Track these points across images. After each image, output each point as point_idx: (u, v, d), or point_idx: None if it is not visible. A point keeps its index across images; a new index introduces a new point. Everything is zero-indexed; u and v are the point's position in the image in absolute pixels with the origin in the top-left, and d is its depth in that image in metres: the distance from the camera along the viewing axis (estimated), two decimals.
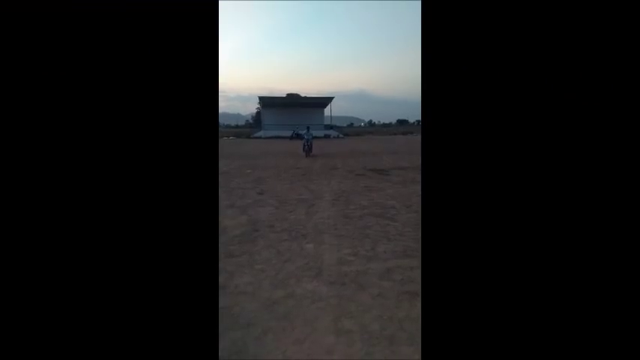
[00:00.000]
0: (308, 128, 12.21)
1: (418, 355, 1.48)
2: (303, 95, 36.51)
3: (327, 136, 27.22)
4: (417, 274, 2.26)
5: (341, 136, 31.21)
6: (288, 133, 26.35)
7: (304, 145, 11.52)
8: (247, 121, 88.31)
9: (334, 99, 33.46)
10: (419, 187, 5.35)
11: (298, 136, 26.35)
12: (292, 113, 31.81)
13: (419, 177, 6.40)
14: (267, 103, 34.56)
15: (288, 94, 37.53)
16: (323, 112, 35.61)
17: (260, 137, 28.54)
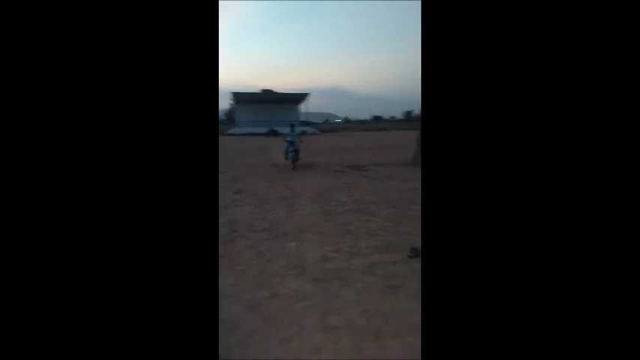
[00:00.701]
0: (292, 126, 8.13)
1: (404, 348, 1.52)
2: (277, 91, 36.09)
3: (303, 133, 27.16)
4: (399, 268, 2.31)
5: (317, 132, 31.22)
6: (263, 130, 26.03)
7: (287, 151, 7.58)
8: (219, 117, 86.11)
9: (309, 95, 33.38)
10: (396, 183, 5.49)
11: (274, 133, 26.03)
12: (267, 109, 31.32)
13: (395, 173, 6.57)
14: (241, 99, 33.74)
15: (262, 90, 36.90)
16: (298, 109, 35.40)
17: (234, 134, 27.84)
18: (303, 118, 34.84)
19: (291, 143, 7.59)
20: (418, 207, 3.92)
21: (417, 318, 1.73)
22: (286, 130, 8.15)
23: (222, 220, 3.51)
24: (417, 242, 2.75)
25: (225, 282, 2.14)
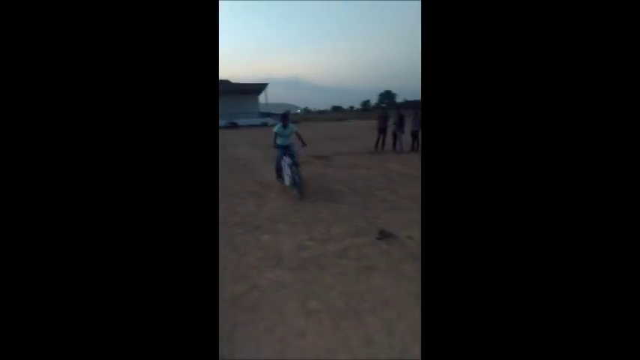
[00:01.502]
0: (285, 118, 4.24)
1: (381, 322, 1.66)
2: (234, 82, 34.61)
3: (264, 125, 26.51)
4: (371, 251, 2.46)
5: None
6: (222, 123, 25.02)
7: (280, 163, 4.27)
8: None
9: (268, 86, 32.57)
10: (360, 171, 5.70)
11: (233, 126, 25.07)
12: (224, 100, 30.00)
13: (359, 161, 6.79)
14: None
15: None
16: (257, 100, 34.40)
17: None
18: (263, 109, 33.97)
19: (287, 149, 4.14)
20: (381, 192, 4.14)
21: (390, 294, 1.89)
22: (274, 126, 4.36)
23: None
24: (384, 225, 2.94)
25: None
